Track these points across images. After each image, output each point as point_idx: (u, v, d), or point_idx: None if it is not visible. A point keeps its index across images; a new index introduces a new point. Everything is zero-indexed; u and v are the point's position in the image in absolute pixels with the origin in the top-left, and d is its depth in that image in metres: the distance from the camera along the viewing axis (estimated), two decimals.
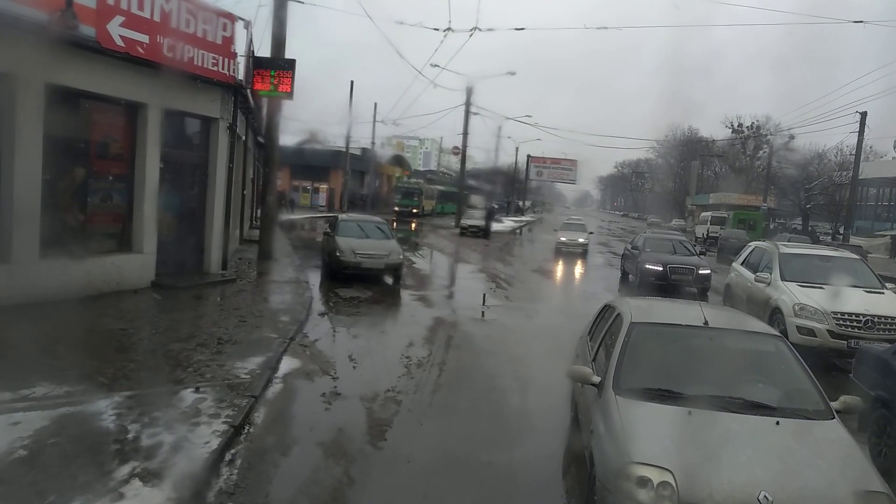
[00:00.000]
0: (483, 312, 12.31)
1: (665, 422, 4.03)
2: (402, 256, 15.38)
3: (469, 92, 42.43)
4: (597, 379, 4.69)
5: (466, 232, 34.31)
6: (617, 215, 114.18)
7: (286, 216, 36.32)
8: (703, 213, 52.91)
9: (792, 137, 59.36)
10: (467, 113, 43.17)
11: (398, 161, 73.15)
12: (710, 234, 43.79)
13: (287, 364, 7.70)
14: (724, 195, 64.31)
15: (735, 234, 37.83)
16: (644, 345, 4.80)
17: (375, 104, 48.64)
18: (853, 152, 61.80)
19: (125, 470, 4.61)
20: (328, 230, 16.56)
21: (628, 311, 5.28)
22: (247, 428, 5.71)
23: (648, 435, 3.88)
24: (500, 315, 12.37)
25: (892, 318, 9.49)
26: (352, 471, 5.08)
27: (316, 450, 5.43)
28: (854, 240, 41.11)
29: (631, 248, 19.51)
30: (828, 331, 9.43)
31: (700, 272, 16.14)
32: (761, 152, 70.76)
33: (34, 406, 5.64)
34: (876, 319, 9.41)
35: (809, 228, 47.63)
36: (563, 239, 26.86)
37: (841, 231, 42.20)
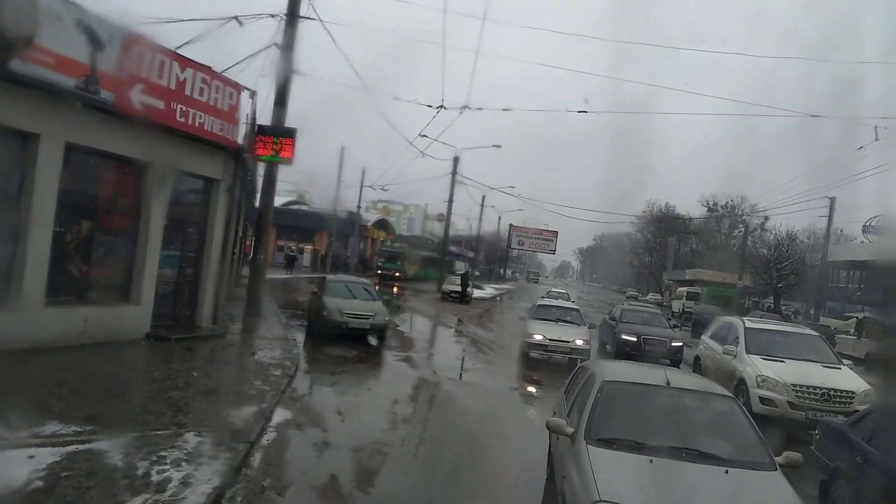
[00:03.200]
0: (461, 375, 12.79)
1: (629, 467, 4.58)
2: (387, 318, 15.90)
3: (455, 161, 43.89)
4: (570, 430, 5.25)
5: (448, 297, 34.91)
6: (596, 287, 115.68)
7: (283, 275, 36.87)
8: (679, 289, 54.16)
9: (766, 219, 61.73)
10: (453, 181, 44.52)
11: (382, 225, 74.23)
12: (685, 309, 44.78)
13: (279, 415, 8.11)
14: (699, 271, 65.82)
15: (709, 309, 38.77)
16: (613, 401, 5.39)
17: (364, 169, 49.99)
18: (822, 234, 64.12)
19: (137, 501, 5.01)
20: (315, 290, 17.08)
21: (600, 371, 5.89)
22: (244, 470, 6.12)
23: (614, 478, 4.42)
24: (480, 377, 12.87)
25: (847, 391, 10.16)
26: None
27: (310, 491, 5.86)
28: (824, 320, 42.30)
29: (608, 318, 20.21)
30: (787, 402, 10.06)
31: (673, 344, 16.80)
32: (736, 231, 73.14)
33: (45, 443, 6.02)
34: (832, 393, 10.07)
35: (780, 307, 48.81)
36: (537, 338, 14.81)
37: (811, 311, 43.39)
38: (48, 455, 5.73)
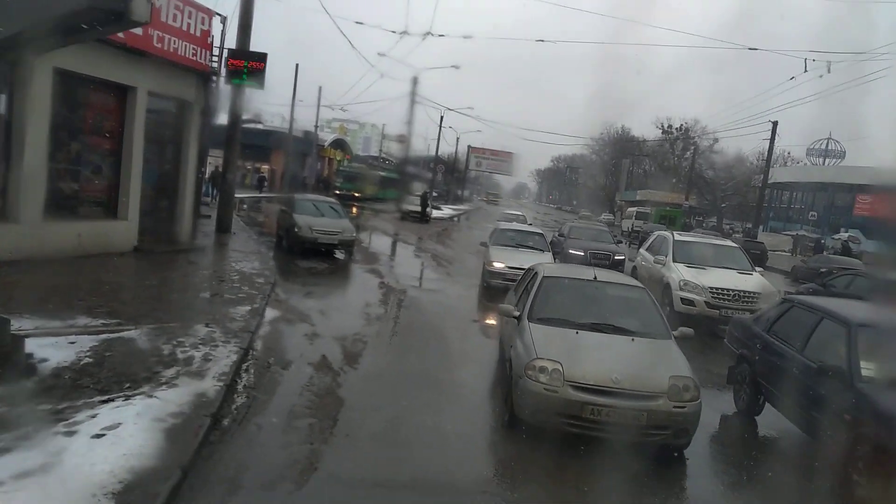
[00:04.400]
0: (423, 283, 14.21)
1: (559, 337, 6.05)
2: (354, 234, 17.07)
3: (415, 82, 44.13)
4: (517, 313, 6.68)
5: (407, 216, 36.12)
6: (552, 208, 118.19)
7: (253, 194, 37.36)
8: (630, 209, 56.43)
9: (716, 140, 63.91)
10: (412, 102, 44.96)
11: (339, 145, 73.92)
12: (634, 228, 47.09)
13: (270, 313, 9.37)
14: (650, 192, 68.11)
15: (656, 228, 41.05)
16: (550, 291, 6.83)
17: (320, 88, 49.67)
18: (772, 156, 66.84)
19: (171, 371, 6.26)
20: (284, 208, 18.06)
21: (542, 270, 7.32)
22: (251, 352, 7.42)
23: (548, 344, 5.88)
24: (441, 286, 14.35)
25: (755, 293, 11.95)
26: (338, 380, 6.91)
27: (308, 367, 7.22)
28: (762, 237, 45.23)
29: (558, 235, 21.81)
30: (704, 302, 11.80)
31: (616, 258, 18.48)
32: (688, 153, 75.53)
33: (81, 332, 7.18)
34: (742, 294, 11.84)
35: (723, 226, 51.62)
36: (498, 266, 13.65)
37: (749, 228, 46.18)
38: (88, 341, 6.89)
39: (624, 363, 5.71)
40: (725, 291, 11.85)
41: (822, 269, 25.10)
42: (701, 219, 59.76)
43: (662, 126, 76.60)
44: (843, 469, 5.34)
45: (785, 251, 44.18)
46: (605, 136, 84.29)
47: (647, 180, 78.74)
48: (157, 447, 4.51)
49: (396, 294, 12.47)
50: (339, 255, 16.66)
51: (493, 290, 12.88)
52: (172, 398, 5.45)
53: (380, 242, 24.20)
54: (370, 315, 10.23)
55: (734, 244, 14.54)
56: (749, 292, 11.91)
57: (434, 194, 55.26)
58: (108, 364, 6.28)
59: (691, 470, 5.75)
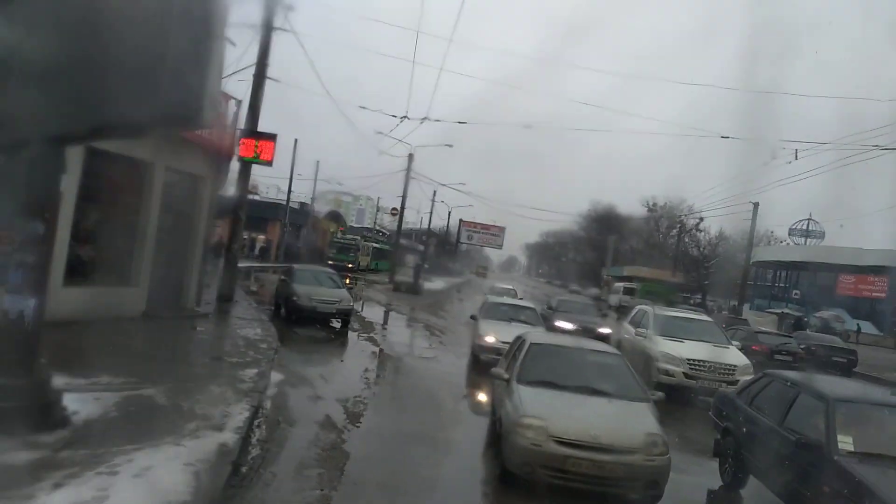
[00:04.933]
0: (419, 352, 14.84)
1: (545, 397, 6.75)
2: (352, 303, 17.80)
3: (410, 158, 45.79)
4: (507, 376, 7.40)
5: (400, 288, 36.89)
6: (541, 282, 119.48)
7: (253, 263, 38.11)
8: (616, 284, 57.52)
9: (701, 219, 65.88)
10: (407, 177, 46.37)
11: (334, 217, 75.50)
12: (621, 303, 47.99)
13: (275, 376, 9.98)
14: (636, 268, 69.44)
15: (642, 303, 41.95)
16: (537, 356, 7.57)
17: (318, 162, 51.30)
18: (757, 235, 68.69)
19: (192, 425, 6.86)
20: (284, 277, 18.82)
21: (529, 338, 8.09)
22: (261, 410, 8.02)
23: (534, 403, 6.57)
24: (435, 354, 14.98)
25: (731, 365, 12.69)
26: (342, 436, 7.52)
27: (314, 425, 7.83)
28: (748, 314, 46.23)
29: (546, 308, 22.61)
30: (683, 373, 12.51)
31: (599, 331, 19.22)
32: (674, 230, 77.40)
33: (105, 389, 7.78)
34: (718, 366, 12.58)
35: (707, 302, 52.62)
36: (489, 341, 13.20)
37: (734, 306, 47.17)
38: (111, 397, 7.48)
39: (603, 422, 6.40)
40: (702, 363, 12.58)
41: (802, 346, 25.99)
42: (687, 295, 60.80)
43: (648, 204, 78.87)
44: None
45: (770, 329, 44.95)
46: (592, 213, 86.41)
47: (634, 257, 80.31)
48: (188, 486, 5.11)
49: (393, 361, 13.11)
50: (336, 323, 17.29)
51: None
52: (196, 447, 6.05)
53: (374, 312, 24.83)
54: (369, 380, 10.86)
55: (710, 319, 15.36)
56: (725, 364, 12.64)
57: (426, 266, 56.32)
58: (132, 417, 6.88)
59: None
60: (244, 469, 6.00)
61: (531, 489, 6.19)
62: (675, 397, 11.93)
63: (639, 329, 14.38)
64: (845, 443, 5.94)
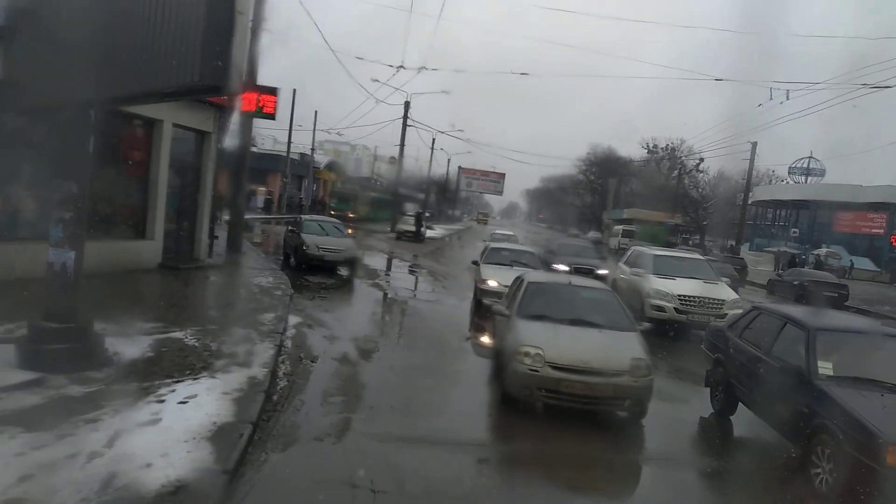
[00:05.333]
0: (423, 295, 15.55)
1: (541, 329, 7.43)
2: (357, 251, 18.44)
3: (407, 106, 45.69)
4: (507, 312, 8.07)
5: (402, 236, 37.53)
6: (542, 227, 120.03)
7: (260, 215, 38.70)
8: (616, 227, 58.14)
9: (701, 160, 65.91)
10: (405, 125, 46.41)
11: (333, 167, 75.49)
12: (620, 245, 48.72)
13: (292, 319, 10.67)
14: (637, 211, 69.82)
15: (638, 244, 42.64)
16: (534, 293, 8.22)
17: (316, 112, 51.17)
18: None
19: (222, 362, 7.57)
20: (292, 228, 19.43)
21: (527, 277, 8.74)
22: (283, 348, 8.74)
23: (532, 334, 7.25)
24: (438, 297, 15.70)
25: (719, 300, 13.38)
26: (358, 369, 8.26)
27: (332, 361, 8.57)
28: (747, 254, 46.96)
29: (547, 251, 23.26)
30: (674, 308, 13.21)
31: (598, 272, 19.92)
32: (675, 172, 77.51)
33: (138, 333, 8.47)
34: (707, 300, 13.27)
35: (705, 243, 53.31)
36: (491, 284, 13.24)
37: (732, 245, 47.90)
38: (145, 340, 8.18)
39: (593, 349, 7.10)
40: (692, 298, 13.28)
41: (795, 282, 26.79)
42: (686, 236, 61.44)
43: (648, 146, 78.69)
44: (803, 455, 6.09)
45: (767, 267, 45.78)
46: (592, 157, 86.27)
47: (635, 199, 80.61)
48: (229, 410, 5.83)
49: (399, 304, 13.84)
50: (343, 271, 17.97)
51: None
52: (230, 379, 6.78)
53: (379, 260, 25.56)
54: (378, 321, 11.61)
55: (702, 257, 16.01)
56: (714, 299, 13.34)
57: (427, 214, 56.83)
58: (167, 357, 7.59)
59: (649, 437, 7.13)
60: (275, 398, 6.72)
61: (529, 410, 6.93)
62: (669, 331, 12.75)
63: (633, 268, 15.05)
64: (825, 368, 6.39)
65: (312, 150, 53.41)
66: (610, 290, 8.77)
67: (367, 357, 9.00)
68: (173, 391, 6.23)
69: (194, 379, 6.71)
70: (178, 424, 5.29)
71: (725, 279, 15.16)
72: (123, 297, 10.37)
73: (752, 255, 47.22)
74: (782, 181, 67.53)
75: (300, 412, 6.43)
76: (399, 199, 53.35)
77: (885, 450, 5.28)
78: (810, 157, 64.81)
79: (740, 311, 13.15)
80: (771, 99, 24.68)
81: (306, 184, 58.90)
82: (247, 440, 5.28)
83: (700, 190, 65.47)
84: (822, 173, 64.38)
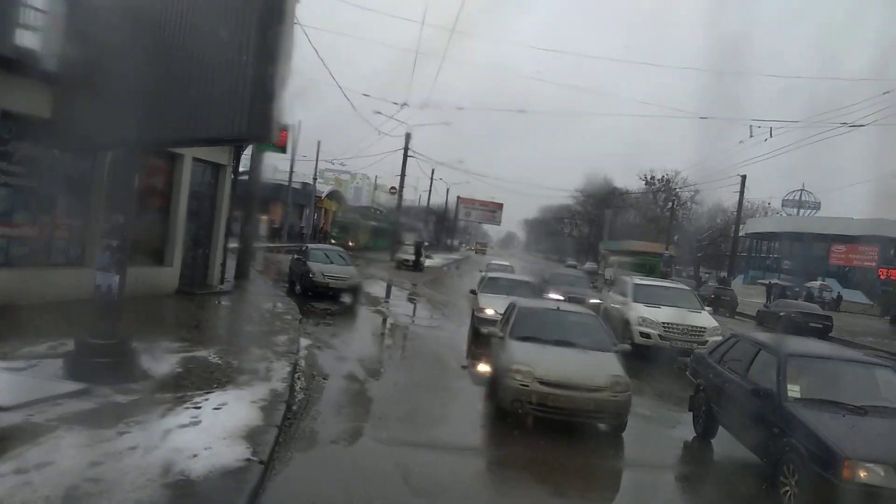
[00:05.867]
0: (424, 321, 16.43)
1: (531, 349, 8.32)
2: (360, 279, 19.35)
3: (408, 137, 47.04)
4: (501, 334, 8.98)
5: (401, 265, 38.47)
6: (539, 257, 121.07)
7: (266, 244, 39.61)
8: (612, 258, 59.14)
9: (696, 192, 67.22)
10: (405, 156, 47.75)
11: (335, 196, 76.71)
12: (616, 276, 49.62)
13: (303, 342, 11.54)
14: (632, 242, 70.99)
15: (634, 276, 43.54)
16: (526, 317, 9.14)
17: (319, 142, 52.47)
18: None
19: (245, 377, 8.43)
20: (298, 256, 20.36)
21: (519, 303, 9.66)
22: (297, 366, 9.60)
23: (523, 353, 8.14)
24: (438, 323, 16.59)
25: (701, 327, 14.29)
26: (365, 386, 9.13)
27: (342, 378, 9.45)
28: (739, 285, 47.91)
29: (541, 281, 24.18)
30: (658, 335, 14.11)
31: (590, 301, 20.81)
32: (671, 203, 78.73)
33: (166, 351, 9.33)
34: (689, 328, 14.18)
35: (699, 274, 54.24)
36: (489, 313, 13.57)
37: (724, 276, 48.82)
38: (173, 357, 9.04)
39: (577, 367, 7.99)
40: (675, 326, 14.18)
41: (782, 313, 27.68)
42: (679, 268, 62.38)
43: (645, 178, 80.00)
44: (773, 473, 6.53)
45: (758, 299, 46.64)
46: (588, 188, 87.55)
47: (631, 230, 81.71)
48: (257, 416, 6.69)
49: (401, 329, 14.73)
50: (347, 298, 18.83)
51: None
52: (255, 391, 7.64)
53: (380, 288, 26.44)
54: (382, 344, 12.50)
55: (686, 287, 16.96)
56: (696, 327, 14.25)
57: (425, 244, 57.85)
58: (195, 372, 8.45)
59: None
60: (294, 408, 7.58)
61: (519, 422, 7.79)
62: (656, 358, 13.58)
63: (621, 297, 15.97)
64: (794, 391, 6.84)
65: (314, 178, 54.55)
66: (593, 315, 9.69)
67: (373, 375, 9.87)
68: (206, 400, 7.09)
69: (223, 391, 7.57)
70: (215, 426, 6.16)
71: (707, 308, 16.07)
72: (148, 319, 11.21)
73: (744, 287, 48.21)
74: (777, 213, 68.73)
75: (317, 420, 7.30)
76: (398, 229, 54.40)
77: (841, 464, 5.70)
78: (802, 190, 66.13)
79: (720, 338, 14.19)
80: (751, 136, 25.90)
81: (307, 213, 60.00)
82: (274, 440, 6.14)
83: (692, 222, 66.53)
84: (816, 206, 65.49)
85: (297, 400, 7.91)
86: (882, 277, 47.66)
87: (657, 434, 9.08)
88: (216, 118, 6.26)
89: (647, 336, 14.15)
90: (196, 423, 6.25)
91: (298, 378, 8.96)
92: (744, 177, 46.66)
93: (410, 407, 8.29)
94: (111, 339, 7.77)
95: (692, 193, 68.51)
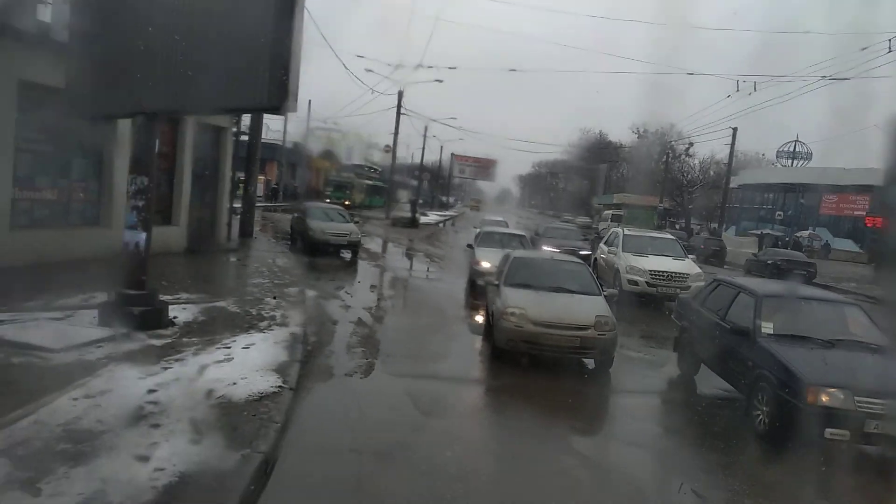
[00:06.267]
0: (422, 273, 17.25)
1: (524, 293, 9.11)
2: (360, 235, 20.08)
3: (400, 95, 47.09)
4: (497, 281, 9.77)
5: (397, 222, 39.18)
6: (534, 213, 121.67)
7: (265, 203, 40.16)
8: (605, 212, 59.93)
9: (691, 144, 67.56)
10: (398, 115, 47.87)
11: (328, 155, 76.74)
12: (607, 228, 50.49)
13: (309, 293, 12.35)
14: (626, 196, 71.44)
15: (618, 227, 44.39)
16: (519, 265, 9.92)
17: (310, 101, 52.43)
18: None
19: (264, 323, 9.22)
20: (298, 214, 21.05)
21: (513, 253, 10.44)
22: (308, 314, 10.41)
23: (517, 298, 8.93)
24: (436, 275, 17.42)
25: (684, 273, 15.14)
26: (372, 329, 9.97)
27: (350, 324, 10.26)
28: (731, 236, 48.81)
29: (534, 234, 24.99)
30: (645, 282, 14.96)
31: (581, 253, 21.59)
32: (665, 156, 79.02)
33: (187, 302, 10.12)
34: (674, 274, 15.03)
35: (691, 226, 55.15)
36: (485, 266, 13.89)
37: (715, 227, 49.76)
38: (194, 308, 9.81)
39: (566, 308, 8.79)
40: (661, 273, 15.03)
41: (769, 261, 28.64)
42: (673, 220, 63.24)
43: (638, 131, 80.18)
44: (748, 402, 7.15)
45: (750, 249, 47.59)
46: (583, 142, 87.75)
47: (625, 184, 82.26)
48: (281, 353, 7.52)
49: (401, 281, 15.55)
50: (346, 254, 19.60)
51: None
52: (275, 334, 8.46)
53: (378, 244, 27.20)
54: (385, 294, 13.31)
55: (671, 236, 17.80)
56: (680, 273, 15.10)
57: (420, 201, 58.41)
58: (219, 320, 9.23)
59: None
60: (309, 348, 8.41)
61: (514, 359, 8.63)
62: (647, 303, 14.50)
63: (611, 248, 16.78)
64: (767, 327, 7.38)
65: (306, 137, 54.73)
66: (582, 263, 10.48)
67: (378, 321, 10.72)
68: (234, 342, 7.90)
69: (247, 334, 8.39)
70: (246, 362, 6.98)
71: (691, 256, 16.92)
72: (164, 276, 11.95)
73: (737, 238, 49.12)
74: (772, 164, 69.20)
75: (331, 358, 8.16)
76: (392, 187, 54.84)
77: (806, 389, 6.31)
78: (796, 141, 66.49)
79: (703, 283, 15.08)
80: (738, 91, 26.46)
81: (300, 172, 60.32)
82: (297, 372, 6.98)
83: (688, 175, 67.00)
84: (808, 157, 65.99)
85: (310, 342, 8.73)
86: (868, 226, 48.53)
87: (644, 371, 9.93)
88: (238, 89, 6.89)
89: (635, 283, 15.01)
90: (229, 360, 7.07)
91: (310, 324, 9.77)
92: (735, 129, 47.01)
93: (415, 347, 9.15)
94: (142, 290, 8.54)
95: (687, 146, 68.76)
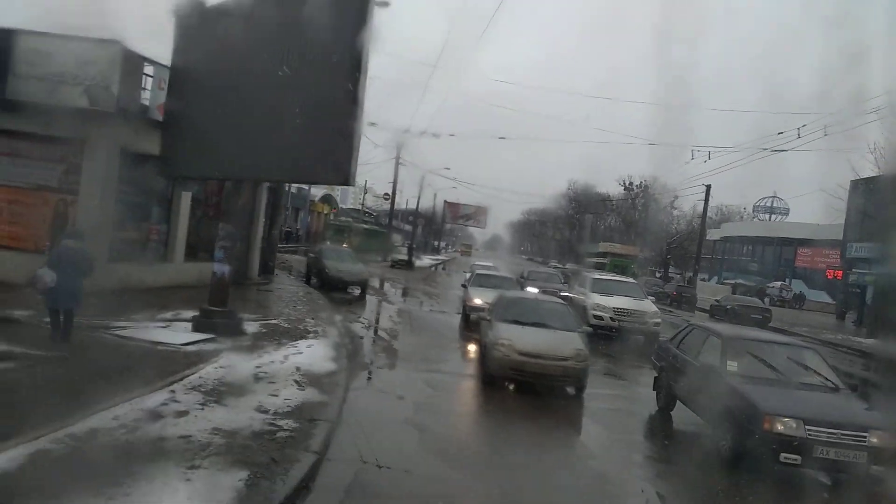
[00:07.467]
0: (424, 307, 20.38)
1: (513, 329, 11.74)
2: (368, 275, 23.21)
3: (399, 147, 50.90)
4: (489, 317, 12.75)
5: (396, 264, 42.47)
6: (523, 259, 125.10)
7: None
8: (589, 259, 63.40)
9: (676, 198, 71.39)
10: (397, 165, 51.58)
11: (327, 200, 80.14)
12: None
13: (336, 316, 15.39)
14: (610, 245, 74.85)
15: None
16: (508, 304, 12.87)
17: None
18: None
19: (311, 335, 12.25)
20: (314, 255, 24.21)
21: (504, 294, 13.57)
22: (341, 331, 13.45)
23: (506, 331, 11.58)
24: (436, 308, 20.55)
25: (643, 311, 18.30)
26: (391, 343, 13.08)
27: (372, 339, 13.36)
28: (706, 285, 52.06)
29: (519, 277, 28.21)
30: (609, 318, 18.11)
31: (561, 294, 24.78)
32: (647, 208, 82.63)
33: (248, 320, 13.11)
34: (633, 312, 18.20)
35: (668, 275, 58.56)
36: (477, 302, 16.46)
37: (690, 276, 53.12)
38: (255, 324, 12.78)
39: (548, 343, 10.94)
40: (623, 310, 18.20)
41: (728, 306, 31.99)
42: (653, 269, 66.65)
43: (624, 183, 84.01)
44: (715, 432, 7.90)
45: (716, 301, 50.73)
46: (570, 193, 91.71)
47: (611, 234, 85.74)
48: (335, 353, 10.57)
49: (407, 313, 18.67)
50: (356, 290, 22.59)
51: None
52: (323, 342, 11.52)
53: (380, 283, 30.37)
54: (395, 320, 16.43)
55: (633, 281, 21.08)
56: (639, 311, 18.28)
57: (415, 247, 61.74)
58: (279, 332, 12.22)
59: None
60: (347, 353, 11.48)
61: (502, 384, 11.02)
62: (614, 337, 17.45)
63: (580, 289, 20.01)
64: (732, 366, 8.15)
65: (309, 184, 58.05)
66: (562, 303, 13.40)
67: (393, 338, 13.85)
68: (296, 344, 10.94)
69: (305, 340, 11.44)
70: (313, 355, 10.06)
71: (651, 297, 20.17)
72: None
73: (715, 286, 52.40)
74: (752, 218, 72.85)
75: (366, 359, 11.25)
76: (388, 232, 58.23)
77: (762, 418, 6.98)
78: (774, 197, 70.52)
79: (659, 320, 18.23)
80: (693, 158, 30.54)
81: (301, 216, 63.55)
82: (347, 362, 10.07)
83: (674, 226, 70.19)
84: (786, 212, 69.81)
85: (350, 350, 11.79)
86: (829, 278, 51.83)
87: (630, 411, 10.69)
88: (311, 165, 10.01)
89: (601, 318, 18.12)
90: (300, 353, 10.14)
91: (344, 337, 12.85)
92: (708, 186, 50.60)
93: (424, 356, 12.25)
94: (225, 307, 11.61)
95: (672, 199, 72.44)
